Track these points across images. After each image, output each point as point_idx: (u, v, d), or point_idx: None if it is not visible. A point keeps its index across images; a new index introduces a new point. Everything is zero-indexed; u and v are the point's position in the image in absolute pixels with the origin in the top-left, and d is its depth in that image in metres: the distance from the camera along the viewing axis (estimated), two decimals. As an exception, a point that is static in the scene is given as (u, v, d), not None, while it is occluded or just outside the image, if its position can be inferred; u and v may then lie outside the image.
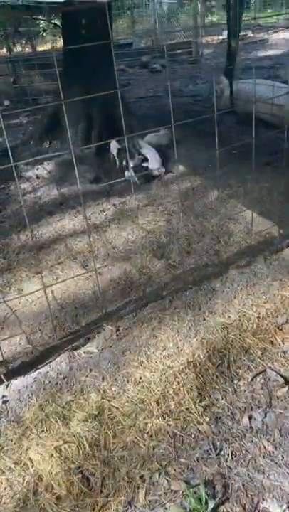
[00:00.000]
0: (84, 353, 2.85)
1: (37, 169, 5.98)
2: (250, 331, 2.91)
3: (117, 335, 2.96)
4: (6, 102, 9.93)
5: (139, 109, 8.33)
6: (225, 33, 15.80)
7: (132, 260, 3.82)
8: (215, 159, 5.90)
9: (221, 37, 15.54)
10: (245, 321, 2.98)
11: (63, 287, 3.57)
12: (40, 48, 15.36)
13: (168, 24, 16.69)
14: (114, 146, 5.95)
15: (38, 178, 5.83)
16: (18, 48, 11.12)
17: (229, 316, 3.02)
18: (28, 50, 13.84)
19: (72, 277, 3.42)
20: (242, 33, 16.51)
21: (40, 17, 8.99)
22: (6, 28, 8.35)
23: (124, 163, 5.78)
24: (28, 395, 2.61)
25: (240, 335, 2.88)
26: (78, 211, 4.70)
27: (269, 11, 20.43)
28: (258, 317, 3.00)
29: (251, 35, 16.43)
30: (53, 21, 8.77)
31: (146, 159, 5.75)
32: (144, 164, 5.59)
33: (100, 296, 3.29)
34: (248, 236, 4.02)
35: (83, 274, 3.63)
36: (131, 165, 5.74)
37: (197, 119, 3.34)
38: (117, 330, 3.00)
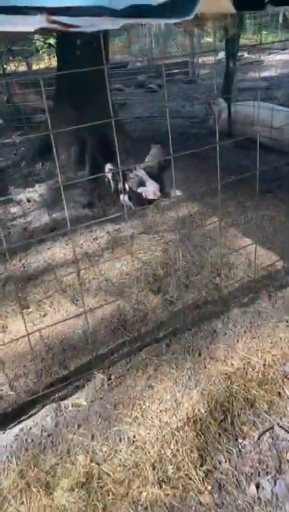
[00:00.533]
0: (72, 405, 2.57)
1: (28, 192, 5.75)
2: (256, 380, 2.65)
3: (109, 384, 2.68)
4: (0, 121, 9.75)
5: (134, 131, 8.16)
6: (221, 54, 15.92)
7: (126, 295, 3.56)
8: (213, 184, 5.74)
9: (217, 57, 15.58)
10: (250, 369, 2.71)
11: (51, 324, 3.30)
12: (35, 66, 15.30)
13: (164, 44, 16.73)
14: (108, 169, 5.74)
15: (29, 201, 5.59)
16: (11, 67, 10.98)
17: (232, 364, 2.76)
18: (22, 68, 13.76)
19: (61, 321, 3.14)
20: (238, 54, 16.64)
21: (35, 36, 8.84)
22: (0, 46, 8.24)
23: (119, 186, 5.57)
24: (8, 457, 2.32)
25: (244, 385, 2.62)
26: (70, 239, 4.45)
27: (264, 32, 20.62)
28: (264, 364, 2.74)
29: (247, 55, 16.49)
30: (47, 41, 8.62)
31: (141, 183, 5.54)
32: (140, 190, 5.37)
33: (91, 337, 3.02)
34: (249, 269, 3.78)
35: (74, 314, 3.36)
36: (126, 188, 5.53)
37: (201, 149, 3.07)
38: (109, 378, 2.72)
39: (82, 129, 6.44)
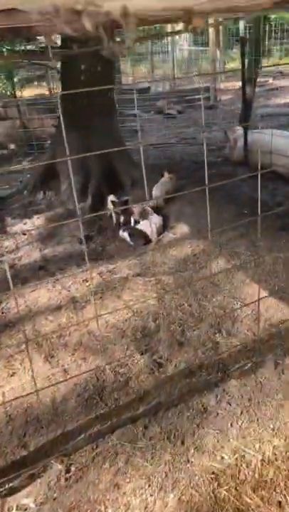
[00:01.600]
0: (16, 507, 2.06)
1: (25, 223, 5.38)
2: (250, 482, 2.09)
3: (67, 479, 2.18)
4: (12, 146, 9.57)
5: (147, 158, 7.78)
6: (245, 80, 15.54)
7: (109, 353, 3.07)
8: (222, 219, 5.24)
9: (240, 83, 15.26)
10: (244, 466, 2.16)
11: (18, 387, 2.84)
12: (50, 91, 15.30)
13: (187, 69, 16.55)
14: (110, 201, 5.33)
15: (24, 234, 5.21)
16: (24, 92, 10.88)
17: (222, 457, 2.21)
18: (40, 91, 13.75)
19: (27, 394, 2.67)
20: (263, 79, 16.29)
21: (39, 61, 8.64)
22: (12, 71, 8.07)
23: (121, 220, 5.14)
24: None
25: (235, 489, 2.07)
26: (58, 280, 4.01)
27: (290, 58, 20.23)
28: (262, 460, 2.19)
29: (271, 81, 16.10)
30: (53, 66, 8.42)
31: (144, 217, 5.10)
32: (141, 226, 4.92)
33: (60, 407, 2.53)
34: (255, 324, 3.24)
35: (45, 375, 2.89)
36: (132, 222, 5.10)
37: (219, 184, 2.60)
38: (68, 470, 2.22)
39: (87, 157, 6.14)
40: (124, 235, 4.82)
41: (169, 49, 17.05)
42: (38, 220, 5.38)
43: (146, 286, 3.79)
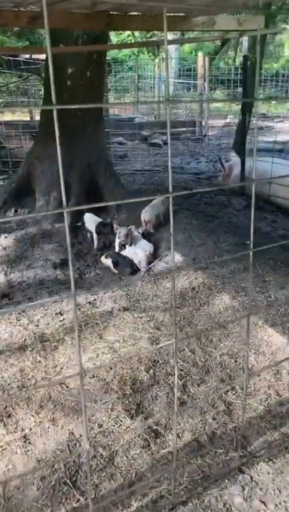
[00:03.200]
0: None
1: (-9, 242, 4.58)
2: None
3: None
4: (-16, 163, 8.82)
5: (133, 183, 7.16)
6: (229, 117, 15.52)
7: (87, 414, 2.26)
8: (221, 249, 4.58)
9: (225, 120, 15.16)
10: None
11: None
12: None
13: (172, 104, 16.37)
14: (90, 220, 4.61)
15: (-12, 254, 4.41)
16: (4, 117, 10.26)
17: None
18: (17, 117, 13.18)
19: None
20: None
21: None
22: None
23: (102, 244, 4.42)
24: None
25: None
26: (24, 312, 3.20)
27: (273, 102, 20.56)
28: None
29: (254, 122, 16.10)
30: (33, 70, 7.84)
31: (131, 242, 4.39)
32: (128, 252, 4.20)
33: (7, 506, 1.69)
34: (276, 379, 2.51)
35: (-6, 442, 2.05)
36: (116, 247, 4.38)
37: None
38: None
39: (68, 172, 5.46)
40: (107, 262, 4.08)
41: (153, 82, 17.00)
42: (5, 240, 4.59)
43: (136, 324, 3.02)
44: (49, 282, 3.72)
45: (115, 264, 4.01)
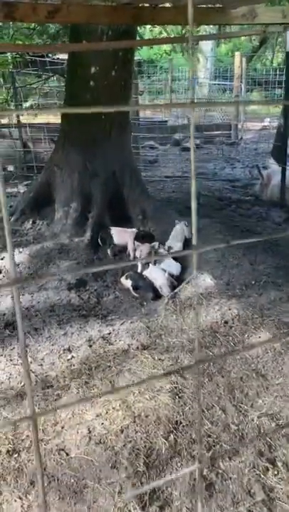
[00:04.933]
0: None
1: (2, 258, 4.18)
2: None
3: None
4: (10, 168, 8.55)
5: (162, 191, 6.68)
6: (267, 120, 14.81)
7: (87, 499, 1.79)
8: (259, 272, 4.03)
9: (262, 124, 14.48)
10: None
11: None
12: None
13: (202, 106, 15.81)
14: (120, 233, 4.16)
15: (0, 272, 4.02)
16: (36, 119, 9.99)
17: None
18: (52, 119, 12.91)
19: None
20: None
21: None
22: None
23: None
24: None
25: None
26: (27, 347, 2.77)
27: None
28: None
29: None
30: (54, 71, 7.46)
31: (156, 261, 3.91)
32: (150, 273, 3.71)
33: None
34: None
35: None
36: (138, 267, 3.90)
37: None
38: None
39: (89, 181, 5.04)
40: (127, 283, 3.61)
41: (188, 84, 16.44)
42: (20, 256, 4.19)
43: (156, 369, 2.53)
44: (60, 308, 3.28)
45: (135, 288, 3.53)
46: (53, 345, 2.79)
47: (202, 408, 2.25)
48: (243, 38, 22.82)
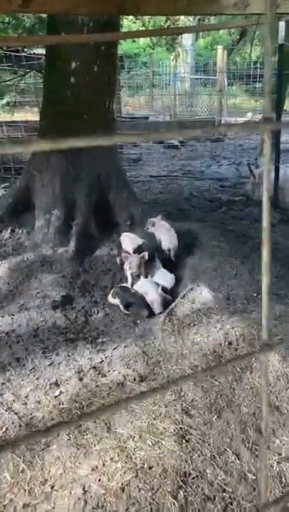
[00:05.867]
0: None
1: (-21, 273, 3.81)
2: None
3: None
4: (-14, 170, 8.10)
5: (148, 192, 6.36)
6: (249, 115, 14.62)
7: None
8: (259, 283, 3.76)
9: (244, 118, 14.28)
10: None
11: None
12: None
13: (189, 100, 15.51)
14: (131, 240, 3.83)
15: (-25, 288, 3.65)
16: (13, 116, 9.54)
17: None
18: (30, 117, 12.45)
19: None
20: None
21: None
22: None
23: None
24: None
25: None
26: (9, 381, 2.43)
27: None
28: None
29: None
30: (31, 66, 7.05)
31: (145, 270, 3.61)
32: (141, 287, 3.41)
33: None
34: None
35: None
36: (128, 280, 3.57)
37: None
38: None
39: (72, 185, 4.69)
40: (116, 302, 3.29)
41: (169, 78, 16.15)
42: (-2, 269, 3.83)
43: (157, 407, 2.22)
44: (45, 332, 2.94)
45: (126, 306, 3.22)
46: (38, 378, 2.46)
47: (213, 454, 1.95)
48: (221, 31, 22.61)
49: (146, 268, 3.66)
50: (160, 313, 3.18)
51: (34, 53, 7.07)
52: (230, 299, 3.24)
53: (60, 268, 3.81)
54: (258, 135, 8.91)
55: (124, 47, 16.06)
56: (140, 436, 2.03)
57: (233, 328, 2.87)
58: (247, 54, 23.50)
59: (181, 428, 2.08)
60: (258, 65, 14.50)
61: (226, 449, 2.00)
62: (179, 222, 4.67)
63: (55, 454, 1.97)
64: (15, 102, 11.58)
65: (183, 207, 5.53)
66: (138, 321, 3.17)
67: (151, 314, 3.22)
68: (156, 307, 3.21)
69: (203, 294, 3.33)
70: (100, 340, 2.93)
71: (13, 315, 3.12)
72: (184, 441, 2.01)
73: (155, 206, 5.43)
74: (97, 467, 1.89)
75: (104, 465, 1.90)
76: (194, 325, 2.96)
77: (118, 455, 1.94)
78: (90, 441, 2.03)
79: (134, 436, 2.02)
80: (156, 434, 2.04)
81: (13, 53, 6.71)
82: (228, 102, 17.76)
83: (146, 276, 3.59)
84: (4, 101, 11.49)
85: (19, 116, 11.31)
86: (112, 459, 1.92)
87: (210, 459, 1.93)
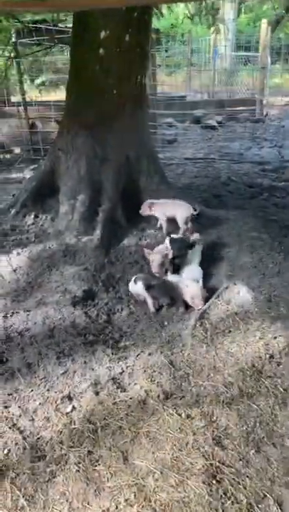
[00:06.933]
0: None
1: (-2, 261, 3.55)
2: None
3: None
4: (17, 150, 7.88)
5: (182, 176, 5.94)
6: (291, 96, 13.75)
7: None
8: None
9: (287, 98, 13.47)
10: None
11: None
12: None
13: (229, 80, 14.74)
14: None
15: (-8, 279, 3.40)
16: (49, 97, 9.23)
17: None
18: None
19: None
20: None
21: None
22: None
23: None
24: None
25: None
26: (16, 392, 2.15)
27: None
28: None
29: None
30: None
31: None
32: (171, 277, 3.05)
33: None
34: None
35: None
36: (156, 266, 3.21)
37: None
38: None
39: (99, 168, 4.33)
40: (137, 289, 2.95)
41: (208, 56, 15.42)
42: (17, 258, 3.55)
43: (184, 435, 1.88)
44: (62, 332, 2.65)
45: (156, 296, 2.87)
46: (48, 390, 2.16)
47: (249, 501, 1.60)
48: (265, 6, 21.39)
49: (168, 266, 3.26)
50: (194, 316, 2.81)
51: (66, 27, 6.67)
52: (272, 301, 2.84)
53: (84, 259, 3.50)
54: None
55: (161, 23, 15.36)
56: (162, 473, 1.70)
57: (275, 337, 2.48)
58: (292, 29, 22.24)
59: (211, 464, 1.74)
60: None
61: (265, 495, 1.64)
62: (215, 210, 4.28)
63: (60, 489, 1.67)
64: (50, 81, 11.28)
65: (220, 193, 5.09)
66: (166, 323, 2.82)
67: (173, 303, 2.88)
68: (197, 302, 2.82)
69: (240, 295, 2.94)
70: (121, 343, 2.61)
71: (29, 311, 2.84)
72: (214, 482, 1.67)
73: (190, 192, 5.03)
74: (108, 510, 1.58)
75: (117, 507, 1.59)
76: (229, 332, 2.58)
77: (135, 495, 1.62)
78: (103, 474, 1.72)
79: (155, 472, 1.70)
80: (181, 471, 1.70)
81: (43, 26, 6.35)
82: (271, 80, 16.83)
83: (172, 273, 3.23)
84: (39, 80, 11.22)
85: (51, 95, 11.01)
86: (126, 500, 1.61)
87: (246, 508, 1.59)
